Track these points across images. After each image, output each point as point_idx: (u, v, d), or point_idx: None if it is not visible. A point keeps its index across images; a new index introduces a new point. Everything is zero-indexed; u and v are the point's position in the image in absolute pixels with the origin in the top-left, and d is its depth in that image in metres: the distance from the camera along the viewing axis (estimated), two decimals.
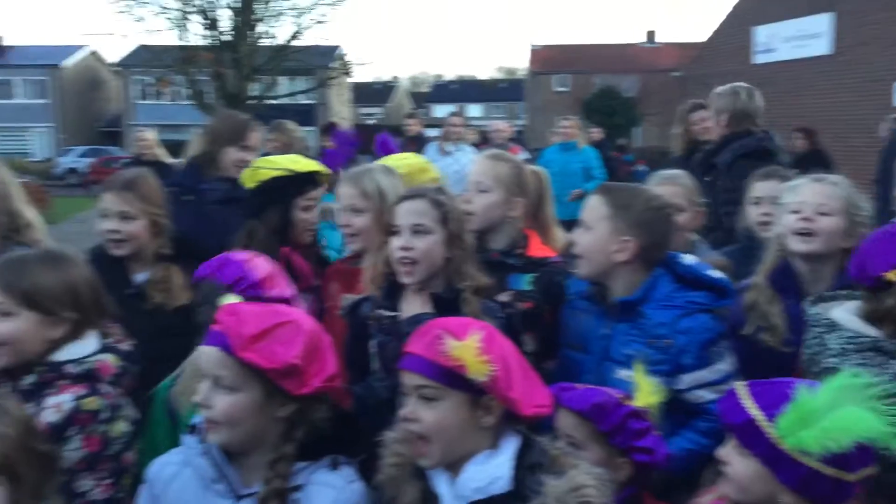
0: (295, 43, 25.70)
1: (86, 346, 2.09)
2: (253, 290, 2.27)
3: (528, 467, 1.72)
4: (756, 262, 2.79)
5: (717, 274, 2.48)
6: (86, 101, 49.27)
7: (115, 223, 2.88)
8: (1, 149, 41.70)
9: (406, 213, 2.39)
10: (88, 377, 2.04)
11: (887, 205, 4.92)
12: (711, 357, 2.36)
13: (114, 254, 2.90)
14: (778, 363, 2.38)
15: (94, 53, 50.48)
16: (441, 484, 1.77)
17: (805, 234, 2.60)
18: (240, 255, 2.41)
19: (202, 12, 24.73)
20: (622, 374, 2.29)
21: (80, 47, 49.44)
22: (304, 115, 30.95)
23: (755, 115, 4.48)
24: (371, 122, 52.57)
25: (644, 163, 18.57)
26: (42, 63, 47.16)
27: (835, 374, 1.67)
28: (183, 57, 24.15)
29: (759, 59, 23.09)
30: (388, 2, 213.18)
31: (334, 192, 3.09)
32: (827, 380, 1.64)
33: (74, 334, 2.08)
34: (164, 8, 24.55)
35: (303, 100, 32.80)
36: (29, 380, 2.01)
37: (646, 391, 2.03)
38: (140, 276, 2.94)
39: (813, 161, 6.60)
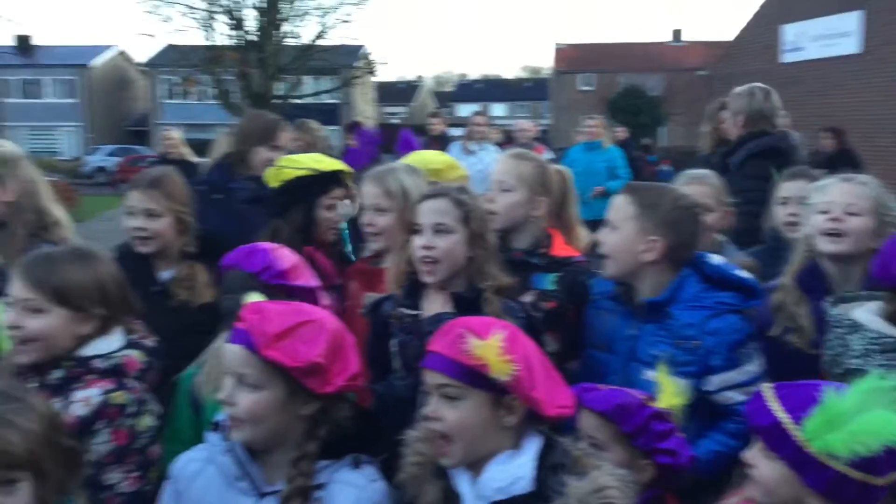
0: (320, 42, 25.85)
1: (112, 341, 2.12)
2: (279, 279, 2.31)
3: (550, 468, 1.71)
4: (783, 262, 2.76)
5: (745, 274, 2.45)
6: (114, 101, 49.82)
7: (140, 221, 2.91)
8: (30, 147, 42.17)
9: (428, 213, 2.39)
10: (115, 372, 2.07)
11: None
12: (740, 358, 2.34)
13: (139, 251, 2.92)
14: (805, 365, 2.35)
15: (122, 53, 51.04)
16: (463, 483, 1.77)
17: (834, 234, 2.57)
18: (266, 244, 2.44)
19: (228, 12, 24.94)
20: (649, 375, 2.27)
21: (108, 47, 50.04)
22: (329, 114, 31.13)
23: (771, 116, 4.48)
24: (395, 121, 52.65)
25: (669, 163, 18.42)
26: (71, 63, 47.74)
27: (857, 375, 1.65)
28: (209, 56, 24.37)
29: (787, 57, 22.83)
30: (413, 1, 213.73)
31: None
32: (854, 382, 1.62)
33: (102, 330, 2.11)
34: (191, 8, 24.82)
35: (327, 99, 32.99)
36: (56, 374, 2.04)
37: (669, 392, 2.02)
38: (165, 274, 2.96)
39: (842, 161, 6.54)
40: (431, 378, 1.76)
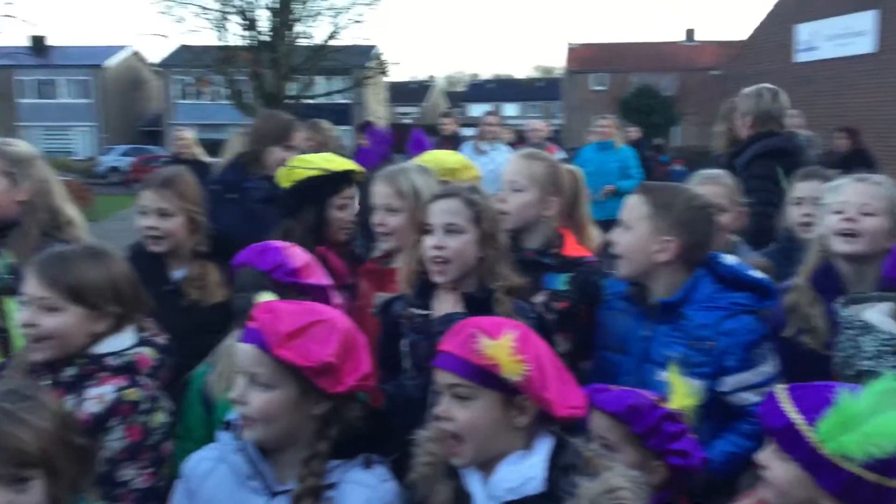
0: (332, 43, 25.87)
1: (124, 339, 2.13)
2: (291, 277, 2.31)
3: (561, 468, 1.71)
4: (797, 263, 2.74)
5: (759, 274, 2.44)
6: (127, 101, 50.09)
7: (153, 220, 2.92)
8: (45, 147, 42.46)
9: (439, 213, 2.39)
10: (128, 369, 2.08)
11: None
12: (755, 359, 2.33)
13: (152, 250, 2.94)
14: (819, 366, 2.34)
15: (135, 53, 51.30)
16: (474, 483, 1.76)
17: (848, 234, 2.55)
18: (279, 243, 2.45)
19: (241, 13, 25.01)
20: (663, 376, 2.26)
21: (122, 47, 50.29)
22: (341, 114, 31.19)
23: (779, 117, 4.48)
24: (407, 121, 52.70)
25: (681, 163, 18.35)
26: (85, 63, 48.02)
27: (870, 376, 1.64)
28: (222, 57, 24.45)
29: (801, 57, 22.70)
30: (425, 1, 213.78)
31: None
32: (868, 383, 1.61)
33: (115, 328, 2.12)
34: (204, 8, 24.90)
35: (339, 99, 33.04)
36: (70, 372, 2.05)
37: (681, 393, 2.01)
38: (177, 273, 2.97)
39: (856, 161, 6.50)
40: (442, 378, 1.76)
